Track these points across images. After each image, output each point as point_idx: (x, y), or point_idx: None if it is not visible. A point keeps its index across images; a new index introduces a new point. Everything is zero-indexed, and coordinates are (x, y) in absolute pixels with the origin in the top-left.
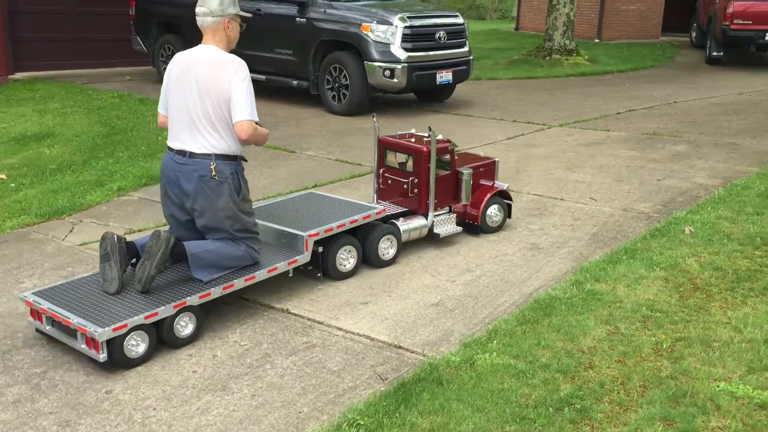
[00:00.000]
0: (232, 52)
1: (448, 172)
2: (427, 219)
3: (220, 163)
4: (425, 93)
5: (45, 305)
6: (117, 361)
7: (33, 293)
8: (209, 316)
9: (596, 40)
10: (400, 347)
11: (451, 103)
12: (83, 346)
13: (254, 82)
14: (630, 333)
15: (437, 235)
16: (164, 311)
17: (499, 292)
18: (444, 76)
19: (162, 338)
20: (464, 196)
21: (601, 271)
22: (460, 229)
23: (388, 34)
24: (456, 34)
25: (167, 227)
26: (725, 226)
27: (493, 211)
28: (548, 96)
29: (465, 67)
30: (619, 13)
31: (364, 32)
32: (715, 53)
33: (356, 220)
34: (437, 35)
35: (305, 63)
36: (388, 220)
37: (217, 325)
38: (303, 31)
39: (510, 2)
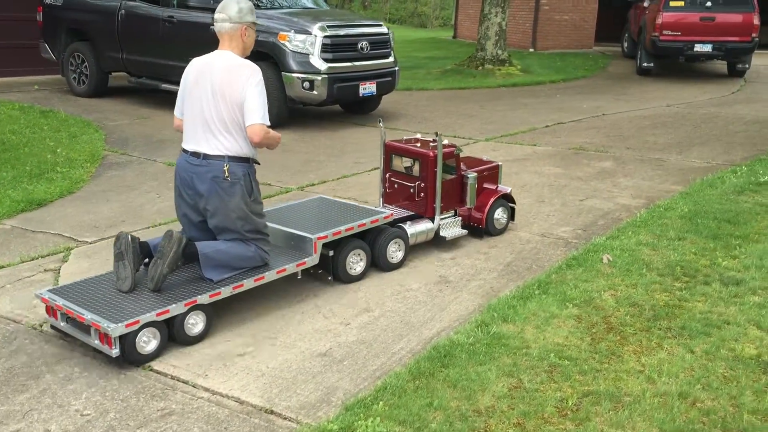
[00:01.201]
0: (247, 58)
1: (453, 176)
2: (433, 222)
3: (233, 164)
4: (350, 105)
5: (60, 302)
6: (129, 357)
7: (48, 290)
8: (54, 377)
9: (531, 50)
10: (271, 412)
11: (377, 115)
12: (96, 341)
13: (168, 93)
14: (534, 387)
15: (443, 238)
16: (175, 309)
17: (396, 336)
18: (367, 88)
19: (173, 336)
20: (469, 199)
21: (510, 309)
22: (465, 232)
23: (306, 44)
24: (380, 44)
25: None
26: (645, 254)
27: (499, 214)
28: (478, 108)
29: (390, 78)
30: (553, 23)
31: (282, 42)
32: (645, 64)
33: (364, 224)
34: (360, 45)
35: None
36: (395, 223)
37: (61, 389)
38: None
39: (451, 10)
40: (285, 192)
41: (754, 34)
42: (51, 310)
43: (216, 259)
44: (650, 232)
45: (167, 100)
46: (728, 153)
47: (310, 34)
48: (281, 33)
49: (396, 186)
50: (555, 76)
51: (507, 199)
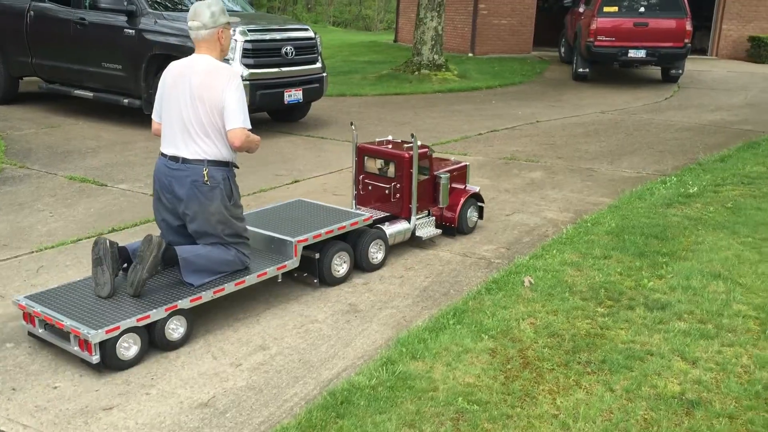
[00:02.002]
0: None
1: (426, 177)
2: (410, 223)
3: (213, 168)
4: (277, 113)
5: (38, 308)
6: (109, 364)
7: (26, 297)
8: None
9: (470, 54)
10: None
11: (305, 123)
12: (76, 348)
13: (81, 100)
14: None
15: (419, 237)
16: (156, 314)
17: (292, 379)
18: (293, 95)
19: (153, 341)
20: (442, 199)
21: (421, 343)
22: (439, 231)
23: None
24: (306, 49)
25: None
26: (569, 275)
27: (470, 213)
28: (411, 115)
29: (317, 85)
30: (491, 27)
31: None
32: (581, 70)
33: (344, 227)
34: (284, 50)
35: (136, 79)
36: (373, 225)
37: None
38: (132, 44)
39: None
40: None
41: (686, 40)
42: (28, 317)
43: (196, 264)
44: (575, 250)
45: (80, 108)
46: (659, 162)
47: (230, 38)
48: None
49: (370, 188)
50: (492, 82)
51: (476, 198)
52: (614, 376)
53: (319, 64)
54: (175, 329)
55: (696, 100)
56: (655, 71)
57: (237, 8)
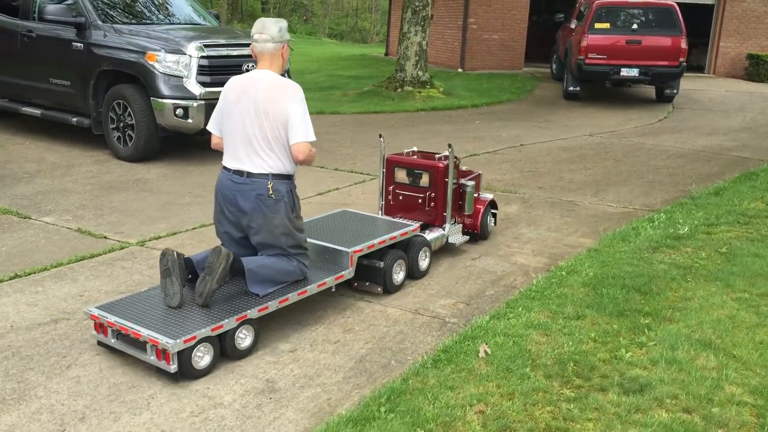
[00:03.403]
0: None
1: (455, 186)
2: (445, 230)
3: (277, 182)
4: None
5: (112, 318)
6: (185, 373)
7: (97, 307)
8: None
9: (459, 70)
10: None
11: None
12: (153, 357)
13: (32, 117)
14: None
15: (452, 244)
16: (228, 323)
17: None
18: None
19: (223, 350)
20: (467, 206)
21: None
22: (467, 237)
23: (180, 66)
24: None
25: None
26: (533, 342)
27: (489, 219)
28: (389, 136)
29: None
30: (481, 42)
31: (150, 62)
32: (571, 88)
33: (395, 237)
34: (245, 67)
35: (85, 97)
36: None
37: None
38: (81, 59)
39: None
40: (119, 249)
41: (681, 59)
42: (100, 327)
43: (261, 274)
44: (545, 308)
45: (31, 126)
46: (648, 194)
47: (184, 54)
48: (149, 52)
49: (401, 197)
50: (478, 100)
51: (491, 205)
52: None
53: None
54: (244, 338)
55: (691, 122)
56: (649, 90)
57: (201, 21)
